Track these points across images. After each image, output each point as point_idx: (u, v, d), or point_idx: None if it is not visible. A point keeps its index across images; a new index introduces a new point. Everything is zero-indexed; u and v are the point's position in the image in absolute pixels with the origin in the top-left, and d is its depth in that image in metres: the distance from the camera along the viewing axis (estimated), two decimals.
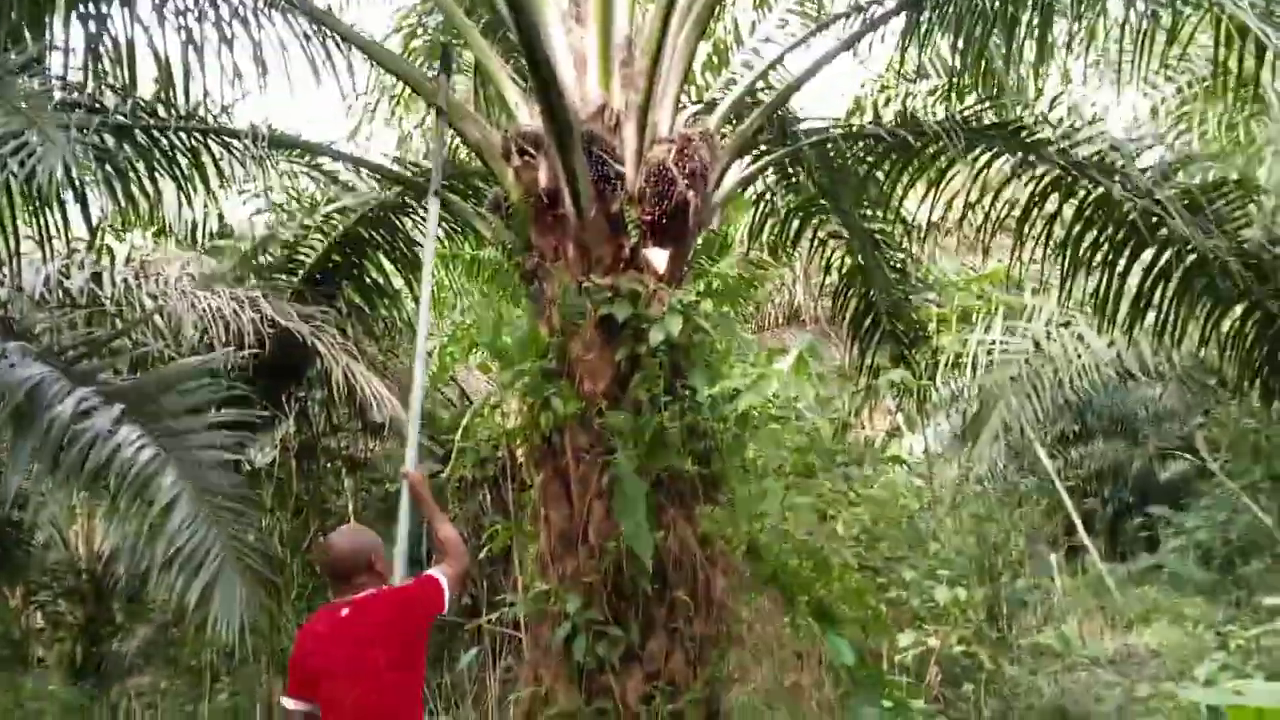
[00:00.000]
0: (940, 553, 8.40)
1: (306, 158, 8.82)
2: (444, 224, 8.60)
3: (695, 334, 5.95)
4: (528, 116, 6.47)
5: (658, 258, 6.11)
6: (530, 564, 6.24)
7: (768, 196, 9.13)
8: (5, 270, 7.67)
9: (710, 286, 6.23)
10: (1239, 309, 8.54)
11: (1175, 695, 8.26)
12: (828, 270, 9.75)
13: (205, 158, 7.31)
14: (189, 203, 8.78)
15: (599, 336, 5.93)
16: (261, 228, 10.67)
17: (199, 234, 11.26)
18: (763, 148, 7.99)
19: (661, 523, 5.77)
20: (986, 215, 8.34)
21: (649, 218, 6.08)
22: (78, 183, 6.61)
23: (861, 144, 8.06)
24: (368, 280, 9.36)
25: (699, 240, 6.49)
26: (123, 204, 6.96)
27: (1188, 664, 10.23)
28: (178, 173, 7.26)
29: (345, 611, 4.19)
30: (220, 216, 11.44)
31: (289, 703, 4.21)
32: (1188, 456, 20.37)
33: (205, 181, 7.31)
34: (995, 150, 7.88)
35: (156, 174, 7.18)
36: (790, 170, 8.89)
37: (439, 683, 10.51)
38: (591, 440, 5.85)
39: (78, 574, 13.86)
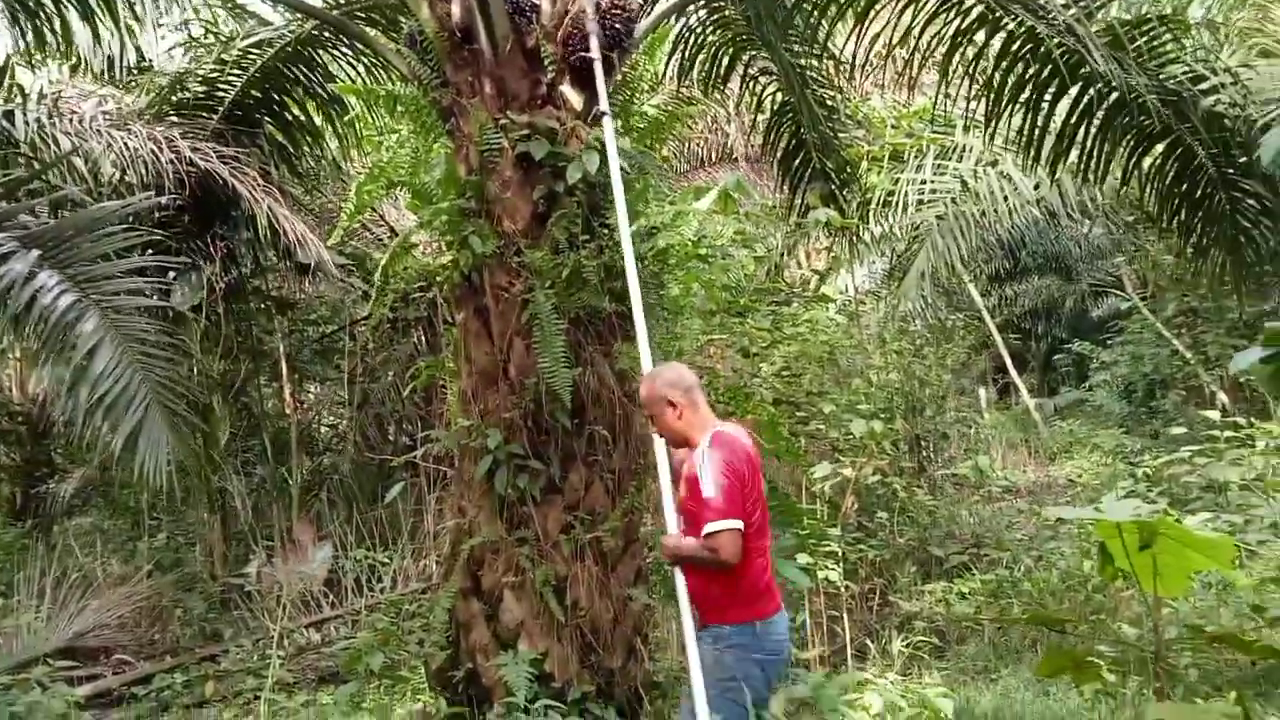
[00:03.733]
0: (861, 388, 8.58)
1: None
2: (363, 59, 8.45)
3: None
4: None
5: (575, 95, 6.06)
6: (453, 400, 6.31)
7: (697, 30, 9.01)
8: None
9: (629, 124, 6.18)
10: (1160, 147, 8.62)
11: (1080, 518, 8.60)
12: (759, 108, 9.70)
13: None
14: (96, 38, 8.58)
15: (517, 174, 5.90)
16: (179, 64, 10.42)
17: (116, 69, 10.96)
18: None
19: (580, 359, 5.84)
20: (913, 51, 8.29)
21: (565, 62, 6.01)
22: None
23: None
24: (289, 118, 9.20)
25: (618, 76, 6.40)
26: (29, 38, 6.74)
27: (1100, 491, 10.65)
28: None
29: (744, 436, 4.46)
30: (138, 50, 11.13)
31: (740, 524, 4.14)
32: (1118, 293, 20.83)
33: (114, 14, 7.06)
34: None
35: (63, 6, 6.94)
36: (718, 3, 8.75)
37: (375, 517, 10.74)
38: (510, 278, 5.87)
39: (12, 416, 13.82)
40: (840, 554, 7.45)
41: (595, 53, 5.86)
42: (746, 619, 4.25)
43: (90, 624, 9.26)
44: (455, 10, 5.98)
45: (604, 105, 5.68)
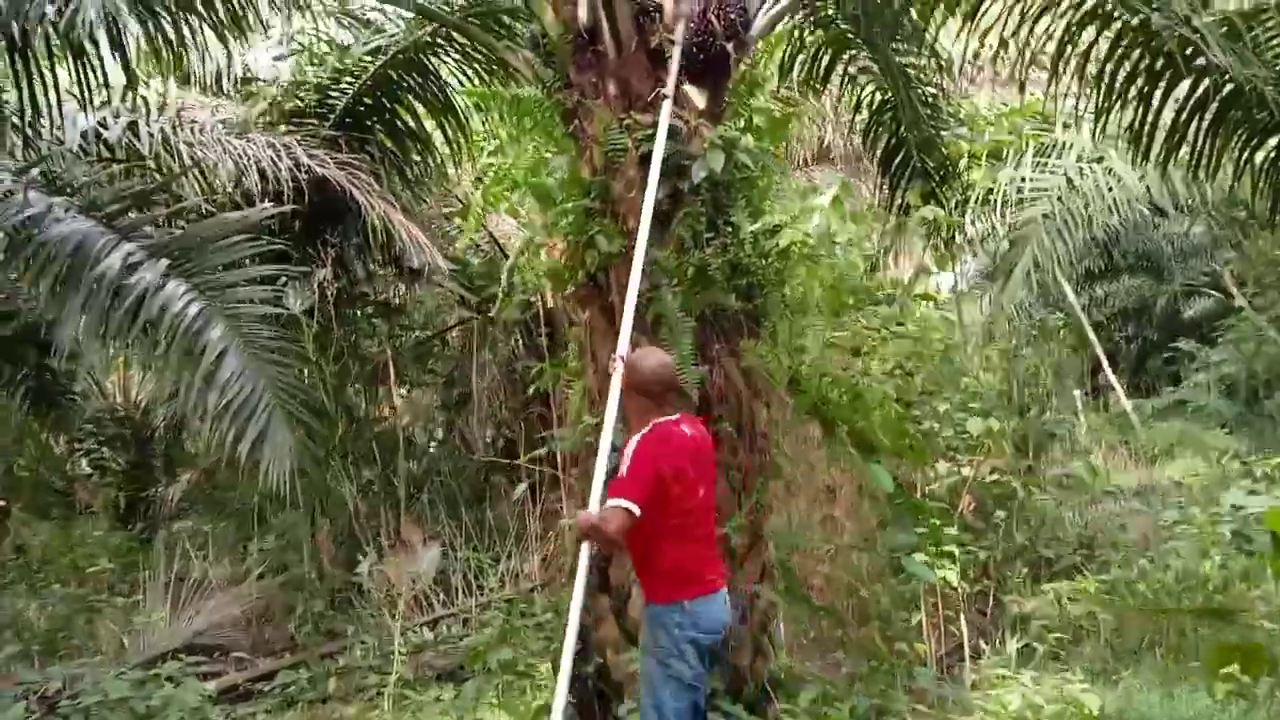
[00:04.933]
0: (971, 386, 8.53)
1: None
2: (476, 65, 8.57)
3: (737, 170, 5.98)
4: None
5: (697, 94, 6.11)
6: (577, 400, 6.37)
7: (795, 32, 9.02)
8: (44, 123, 7.69)
9: (750, 123, 6.22)
10: (1274, 140, 8.49)
11: (1198, 520, 8.47)
12: (858, 107, 9.69)
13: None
14: (209, 49, 8.76)
15: (640, 174, 5.95)
16: (286, 74, 10.64)
17: (223, 82, 11.22)
18: None
19: (706, 357, 5.88)
20: (1022, 49, 8.24)
21: (686, 60, 6.05)
22: (113, 27, 6.57)
23: None
24: (399, 125, 9.35)
25: (736, 76, 6.44)
26: (160, 50, 6.92)
27: (1212, 493, 10.48)
28: (212, 15, 7.18)
29: (687, 429, 4.76)
30: (244, 64, 11.39)
31: (636, 509, 4.44)
32: (1212, 293, 20.42)
33: (239, 24, 7.22)
34: None
35: (188, 17, 7.11)
36: (819, 4, 8.75)
37: (478, 517, 10.87)
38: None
39: (119, 422, 14.15)
40: (956, 554, 7.40)
41: (677, 36, 5.95)
42: (674, 599, 4.61)
43: (206, 623, 9.47)
44: (581, 12, 6.05)
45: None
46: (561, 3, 6.19)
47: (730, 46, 6.01)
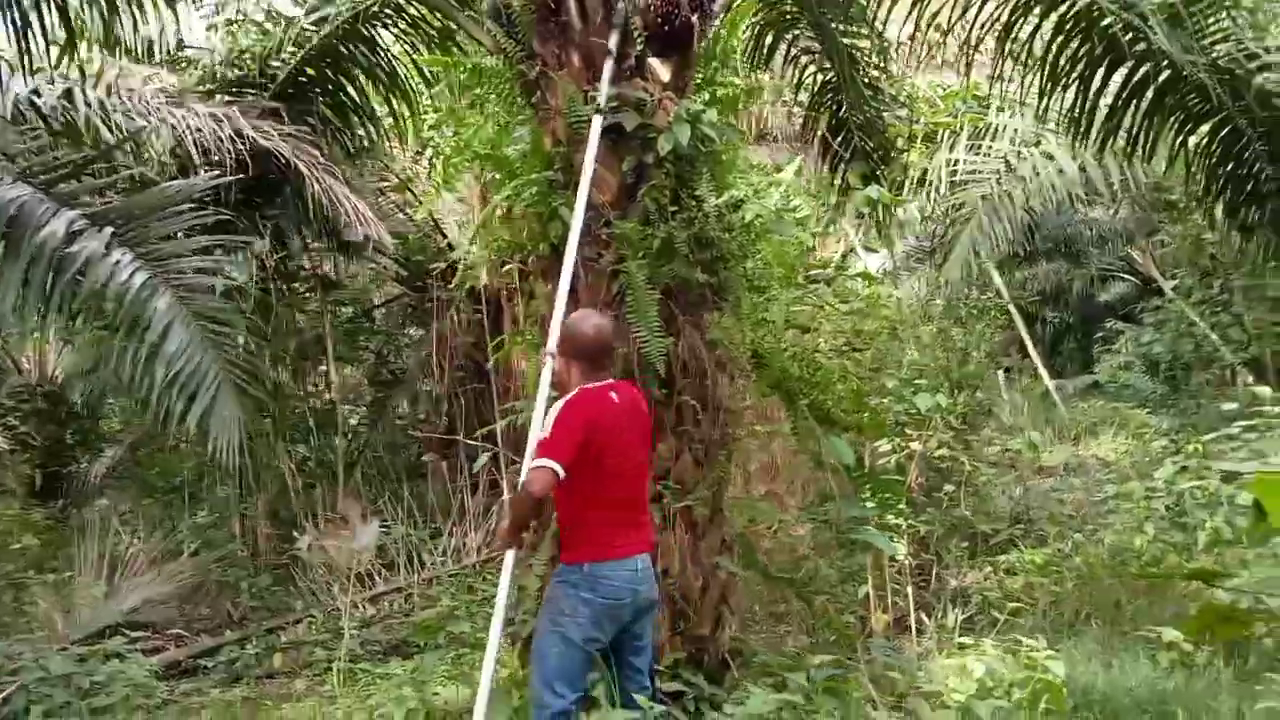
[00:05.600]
0: (918, 363, 8.65)
1: None
2: (423, 35, 8.46)
3: (701, 144, 5.98)
4: None
5: (662, 66, 6.10)
6: (534, 373, 6.33)
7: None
8: None
9: (714, 96, 6.22)
10: (1207, 125, 8.70)
11: (1133, 494, 8.70)
12: (800, 87, 9.75)
13: None
14: (143, 14, 8.55)
15: (605, 146, 5.93)
16: (219, 44, 10.41)
17: (155, 51, 10.95)
18: None
19: (671, 329, 5.89)
20: (968, 32, 8.35)
21: (652, 31, 6.03)
22: None
23: None
24: (343, 97, 9.20)
25: (699, 49, 6.44)
26: (107, 17, 6.74)
27: (1138, 469, 10.77)
28: None
29: (615, 395, 4.76)
30: (176, 33, 11.12)
31: (560, 470, 4.45)
32: (1128, 277, 20.93)
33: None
34: None
35: None
36: None
37: (417, 493, 10.81)
38: (600, 250, 5.90)
39: (40, 397, 13.81)
40: (903, 527, 7.51)
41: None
42: (576, 560, 4.67)
43: (141, 600, 9.31)
44: None
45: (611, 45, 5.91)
46: None
47: (695, 18, 6.00)
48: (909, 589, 7.63)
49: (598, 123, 5.75)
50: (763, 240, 6.26)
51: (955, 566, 8.88)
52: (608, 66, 5.89)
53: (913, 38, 8.59)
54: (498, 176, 6.52)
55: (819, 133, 9.88)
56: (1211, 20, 7.96)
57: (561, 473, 4.45)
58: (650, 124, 5.90)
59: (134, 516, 11.86)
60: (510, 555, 4.81)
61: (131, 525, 11.26)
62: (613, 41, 5.97)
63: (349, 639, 7.54)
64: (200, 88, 9.34)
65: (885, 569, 7.74)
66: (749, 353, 6.06)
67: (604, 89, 5.84)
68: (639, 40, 6.04)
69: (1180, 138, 8.75)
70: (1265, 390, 8.52)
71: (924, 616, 7.89)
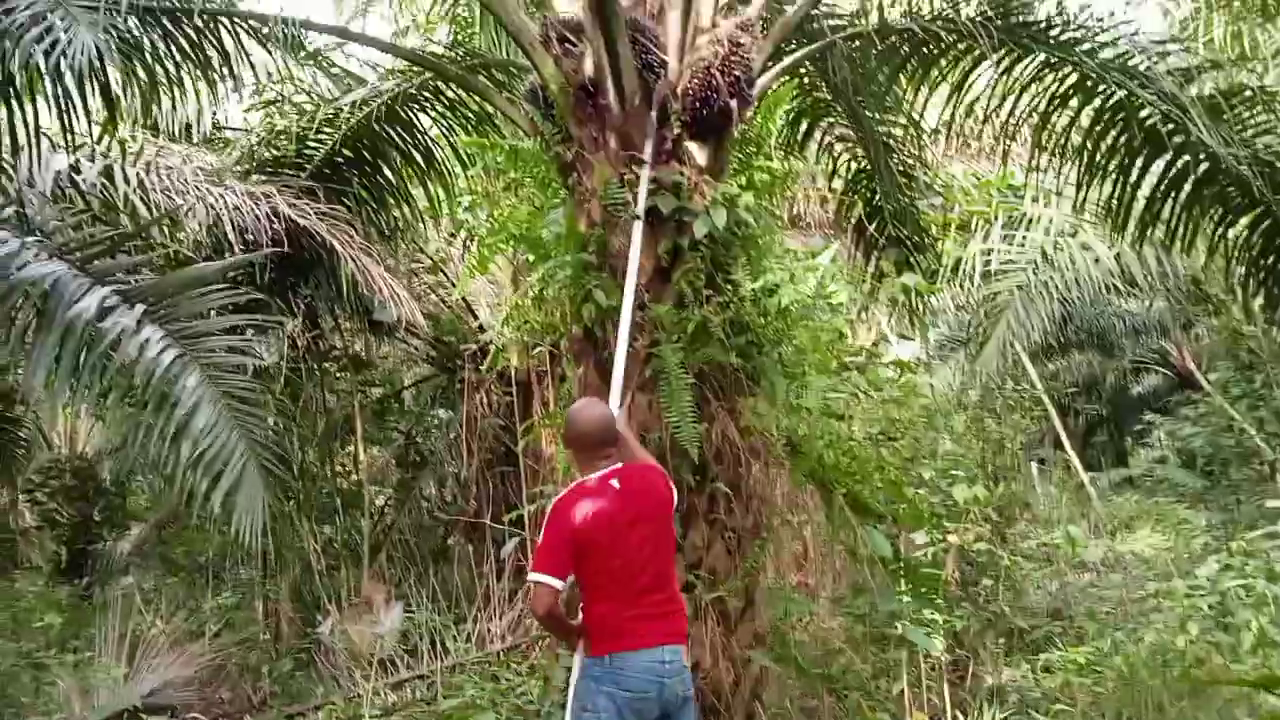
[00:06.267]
0: (952, 454, 8.51)
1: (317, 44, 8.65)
2: (461, 118, 8.52)
3: (737, 227, 5.94)
4: (566, 2, 6.38)
5: (699, 150, 6.08)
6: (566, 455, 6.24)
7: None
8: (18, 164, 7.50)
9: (750, 180, 6.20)
10: (1246, 218, 8.61)
11: (1175, 592, 8.47)
12: (834, 174, 9.75)
13: (229, 44, 7.11)
14: (184, 97, 8.66)
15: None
16: (257, 124, 10.51)
17: (193, 133, 11.10)
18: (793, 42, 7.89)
19: (704, 415, 5.79)
20: (1006, 120, 8.33)
21: (690, 115, 6.03)
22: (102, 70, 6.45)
23: (890, 40, 7.95)
24: (379, 178, 9.24)
25: (736, 133, 6.43)
26: (149, 95, 6.80)
27: (1178, 566, 10.52)
28: (203, 61, 7.08)
29: (616, 482, 4.58)
30: (214, 113, 11.28)
31: (554, 581, 4.41)
32: (1161, 369, 20.71)
33: (232, 72, 7.11)
34: (1024, 49, 7.79)
35: (180, 63, 7.00)
36: (803, 69, 8.79)
37: (442, 577, 10.65)
38: (634, 333, 5.83)
39: (67, 473, 13.79)
40: (940, 621, 7.32)
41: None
42: (599, 653, 4.50)
43: (160, 682, 9.15)
44: (587, 66, 6.01)
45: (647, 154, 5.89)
46: (563, 55, 6.14)
47: (734, 103, 5.99)
48: (944, 686, 7.40)
49: (643, 202, 5.70)
50: (798, 326, 6.16)
51: (991, 664, 8.64)
52: (648, 149, 5.86)
53: (949, 126, 8.55)
54: (531, 258, 6.45)
55: (853, 219, 9.88)
56: (1252, 113, 7.90)
57: (557, 584, 4.40)
58: (686, 207, 5.87)
59: (157, 595, 11.75)
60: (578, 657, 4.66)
61: (155, 604, 11.13)
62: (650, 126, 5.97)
63: None
64: (237, 167, 9.39)
65: (921, 665, 7.52)
66: (783, 440, 5.95)
67: (645, 173, 5.81)
68: (676, 124, 6.03)
69: (1219, 229, 8.66)
70: None
71: (960, 715, 7.66)
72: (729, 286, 5.94)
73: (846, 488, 6.08)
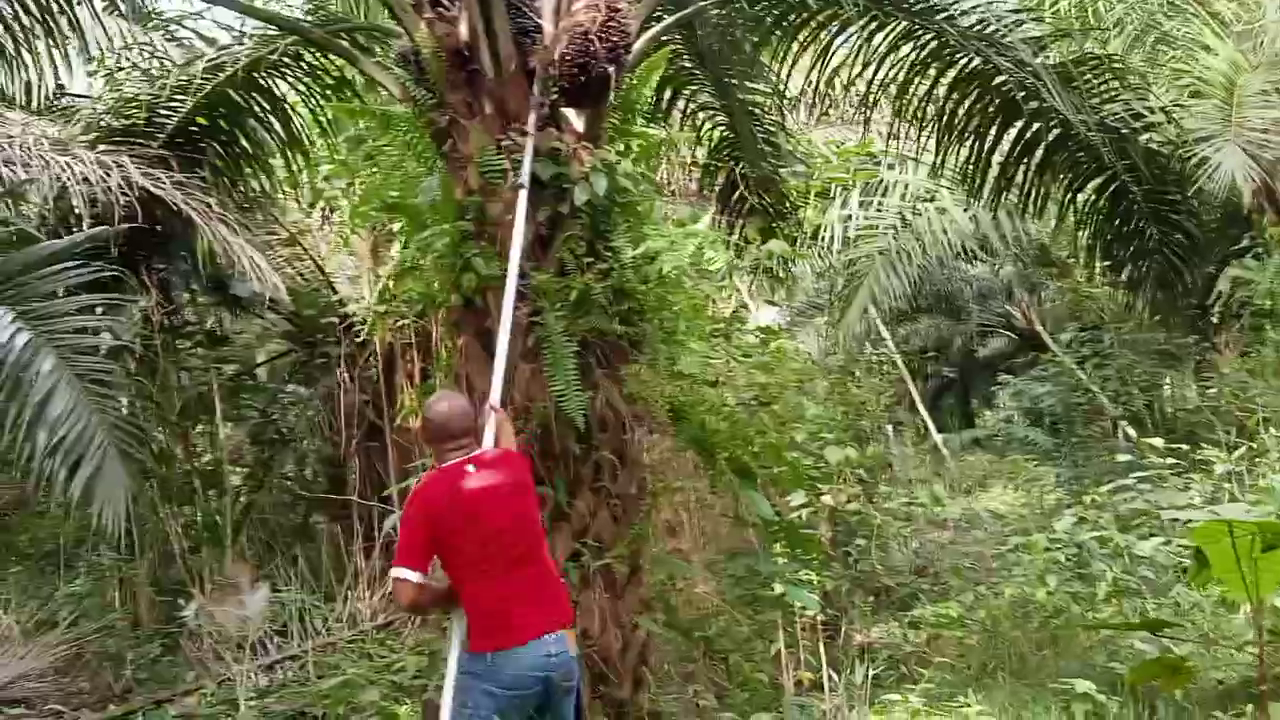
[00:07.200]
0: (819, 417, 8.65)
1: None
2: (321, 85, 8.28)
3: (617, 194, 5.91)
4: None
5: (576, 116, 6.03)
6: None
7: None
8: None
9: (628, 147, 6.17)
10: (1095, 183, 8.94)
11: (1035, 545, 8.78)
12: (698, 142, 9.80)
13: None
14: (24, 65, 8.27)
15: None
16: (103, 91, 10.04)
17: (32, 97, 10.53)
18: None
19: (588, 383, 5.77)
20: (868, 89, 8.47)
21: (568, 81, 5.96)
22: None
23: (758, 6, 7.97)
24: (237, 148, 8.92)
25: (613, 100, 6.37)
26: None
27: (1029, 521, 10.94)
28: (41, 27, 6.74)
29: (472, 467, 4.56)
30: (57, 75, 10.72)
31: (413, 575, 4.40)
32: (1007, 332, 21.43)
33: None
34: (886, 14, 7.89)
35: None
36: (667, 37, 8.78)
37: (307, 557, 10.44)
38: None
39: None
40: (815, 581, 7.46)
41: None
42: (479, 649, 4.47)
43: (12, 675, 8.75)
44: (461, 30, 5.89)
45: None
46: (436, 19, 6.00)
47: (611, 70, 5.93)
48: (820, 645, 7.55)
49: (527, 171, 5.63)
50: (678, 292, 6.17)
51: (861, 621, 8.86)
52: (531, 118, 5.79)
53: (813, 93, 8.66)
54: (404, 227, 6.32)
55: (717, 187, 9.95)
56: (1101, 81, 8.18)
57: (415, 577, 4.41)
58: (565, 174, 5.82)
59: (4, 586, 11.21)
60: (455, 624, 4.60)
61: (3, 595, 10.62)
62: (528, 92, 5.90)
63: (245, 710, 7.18)
64: (83, 136, 8.94)
65: (795, 626, 7.66)
66: (666, 406, 5.96)
67: (530, 141, 5.74)
68: (554, 90, 5.96)
69: (1069, 194, 8.98)
70: (1158, 442, 8.72)
71: (834, 673, 7.82)
72: (610, 253, 5.90)
73: (729, 452, 6.13)
